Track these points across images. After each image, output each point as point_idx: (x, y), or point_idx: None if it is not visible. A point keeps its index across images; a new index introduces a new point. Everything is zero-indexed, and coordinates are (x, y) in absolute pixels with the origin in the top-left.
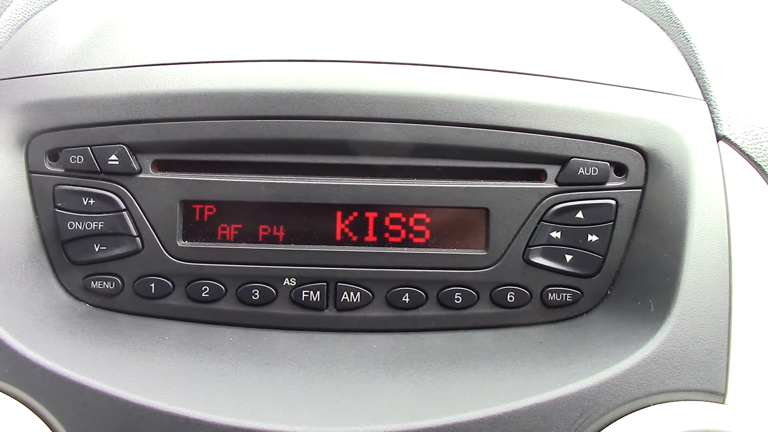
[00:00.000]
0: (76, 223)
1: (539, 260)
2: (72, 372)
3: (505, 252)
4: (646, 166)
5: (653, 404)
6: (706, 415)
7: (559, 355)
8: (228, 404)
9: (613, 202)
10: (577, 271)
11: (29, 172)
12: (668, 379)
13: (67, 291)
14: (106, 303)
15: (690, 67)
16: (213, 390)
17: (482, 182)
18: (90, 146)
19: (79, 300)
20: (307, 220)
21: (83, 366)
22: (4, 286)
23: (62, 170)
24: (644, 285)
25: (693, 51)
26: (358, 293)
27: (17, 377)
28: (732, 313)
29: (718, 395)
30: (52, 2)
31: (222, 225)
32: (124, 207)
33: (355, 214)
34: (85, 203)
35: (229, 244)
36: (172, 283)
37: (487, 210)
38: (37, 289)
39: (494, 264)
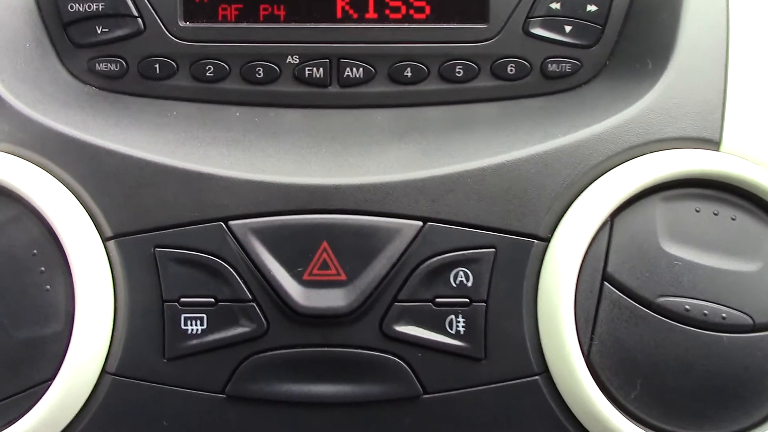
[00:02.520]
0: (77, 4)
1: (539, 31)
2: (85, 135)
3: (505, 24)
4: None
5: (650, 152)
6: (700, 159)
7: (559, 116)
8: (238, 162)
9: None
10: (577, 42)
11: None
12: (665, 127)
13: (72, 74)
14: (112, 85)
15: None
16: (223, 151)
17: None
18: None
19: (86, 83)
20: None
21: (95, 131)
22: (10, 62)
23: None
24: (642, 49)
25: None
26: (361, 69)
27: (33, 142)
28: (729, 66)
29: (712, 143)
30: None
31: (222, 5)
32: None
33: None
34: None
35: (231, 24)
36: (176, 63)
37: None
38: (44, 70)
39: (495, 36)
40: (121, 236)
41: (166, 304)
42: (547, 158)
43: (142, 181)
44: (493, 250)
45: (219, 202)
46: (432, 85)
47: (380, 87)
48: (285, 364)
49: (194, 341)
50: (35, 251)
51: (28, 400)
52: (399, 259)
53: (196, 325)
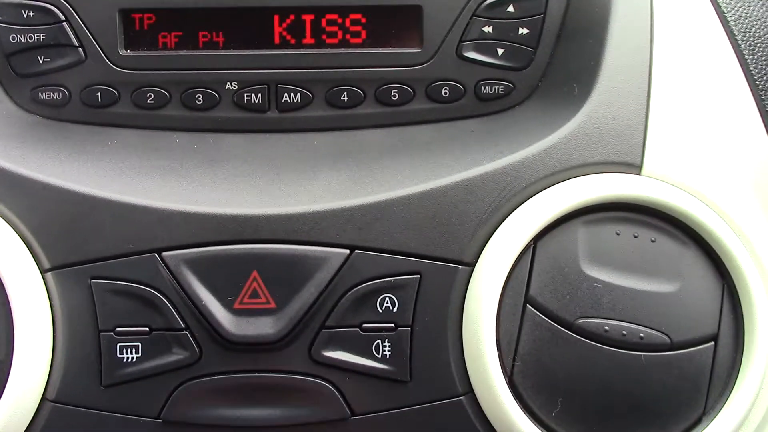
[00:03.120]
0: (18, 35)
1: (472, 55)
2: (24, 169)
3: (438, 48)
4: None
5: (573, 177)
6: (621, 184)
7: (489, 141)
8: (174, 193)
9: None
10: (509, 64)
11: None
12: (587, 153)
13: (15, 103)
14: (55, 114)
15: None
16: (160, 182)
17: None
18: None
19: (30, 112)
20: (246, 24)
21: (34, 164)
22: None
23: None
24: (571, 73)
25: None
26: (299, 94)
27: None
28: (651, 93)
29: (634, 167)
30: None
31: (162, 33)
32: (63, 18)
33: (292, 17)
34: (25, 16)
35: (171, 51)
36: (118, 91)
37: (420, 7)
38: None
39: (429, 60)
40: (59, 268)
41: (102, 333)
42: (472, 185)
43: (79, 214)
44: (417, 276)
45: (152, 233)
46: (368, 109)
47: (318, 111)
48: (218, 389)
49: (130, 369)
50: None
51: None
52: (327, 286)
53: (131, 353)
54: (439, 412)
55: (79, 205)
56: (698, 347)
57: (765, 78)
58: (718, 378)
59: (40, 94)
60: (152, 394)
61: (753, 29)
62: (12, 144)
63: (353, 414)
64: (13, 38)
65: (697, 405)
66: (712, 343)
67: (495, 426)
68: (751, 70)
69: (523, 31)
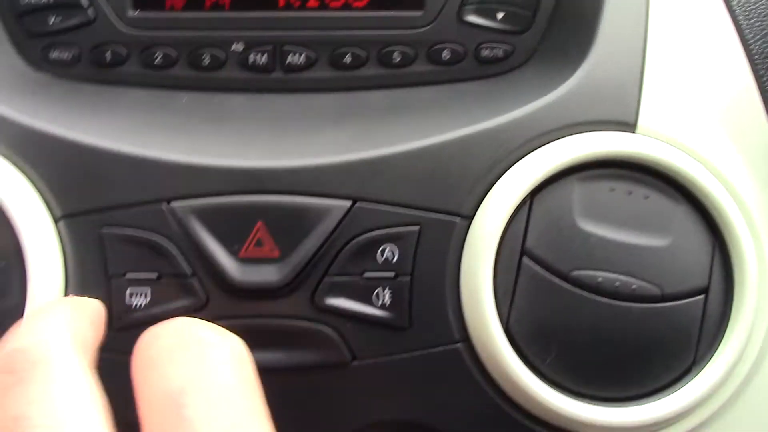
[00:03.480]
0: None
1: (472, 18)
2: (37, 122)
3: (440, 12)
4: None
5: (569, 135)
6: (616, 141)
7: (488, 101)
8: (180, 147)
9: None
10: (509, 28)
11: None
12: (583, 112)
13: (27, 61)
14: (65, 72)
15: None
16: (168, 137)
17: None
18: None
19: (41, 71)
20: None
21: (47, 118)
22: None
23: None
24: (569, 35)
25: None
26: (303, 54)
27: None
28: (646, 53)
29: (629, 125)
30: None
31: None
32: None
33: None
34: None
35: (178, 12)
36: (127, 50)
37: None
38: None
39: (430, 23)
40: (70, 216)
41: (112, 279)
42: (471, 141)
43: (90, 166)
44: (417, 227)
45: (161, 184)
46: (371, 70)
47: (322, 72)
48: None
49: (139, 313)
50: None
51: None
52: (329, 236)
53: (140, 298)
54: (436, 358)
55: (90, 157)
56: (689, 299)
57: (759, 42)
58: (708, 329)
59: (50, 53)
60: None
61: None
62: (25, 100)
63: (354, 358)
64: None
65: (687, 355)
66: (703, 296)
67: (491, 372)
68: (745, 35)
69: None
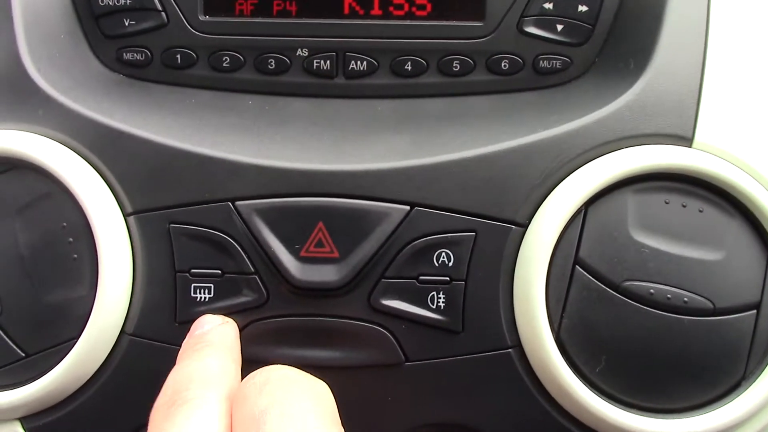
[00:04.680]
0: None
1: (532, 30)
2: (111, 120)
3: (500, 22)
4: None
5: (626, 147)
6: (672, 155)
7: (545, 112)
8: (247, 148)
9: None
10: (568, 40)
11: None
12: (640, 124)
13: (102, 63)
14: (137, 73)
15: None
16: (233, 137)
17: None
18: None
19: (114, 71)
20: None
21: (119, 117)
22: (46, 52)
23: None
24: (628, 49)
25: None
26: (365, 62)
27: (65, 126)
28: (705, 69)
29: (685, 140)
30: None
31: (239, 0)
32: None
33: None
34: None
35: (247, 18)
36: (196, 54)
37: None
38: (76, 59)
39: (490, 34)
40: (140, 213)
41: (178, 274)
42: (528, 151)
43: (160, 164)
44: (473, 234)
45: (227, 184)
46: (431, 78)
47: (382, 79)
48: (282, 330)
49: (202, 308)
50: (65, 224)
51: (56, 356)
52: (387, 239)
53: (204, 293)
54: (488, 363)
55: (160, 155)
56: (740, 314)
57: None
58: (758, 345)
59: (124, 54)
60: None
61: None
62: (100, 99)
63: (407, 360)
64: (102, 1)
65: (737, 369)
66: (755, 311)
67: (540, 378)
68: None
69: (583, 8)
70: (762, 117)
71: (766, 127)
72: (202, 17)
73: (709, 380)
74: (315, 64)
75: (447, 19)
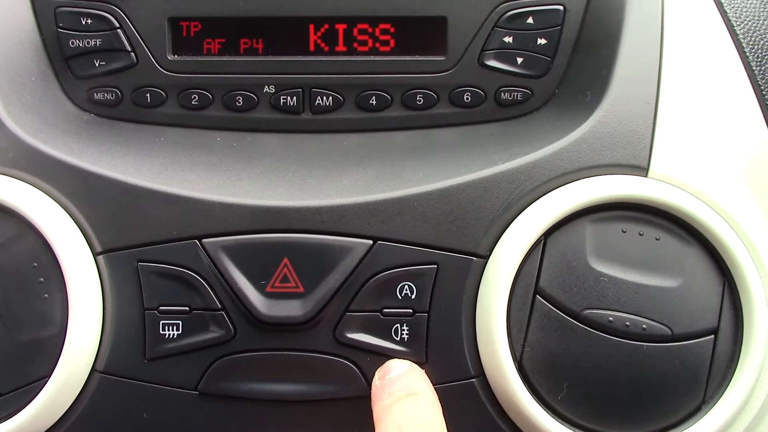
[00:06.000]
0: (77, 41)
1: (493, 63)
2: (80, 161)
3: (462, 56)
4: None
5: (583, 177)
6: (628, 185)
7: (506, 143)
8: (213, 186)
9: (560, 7)
10: (528, 72)
11: None
12: (597, 156)
13: (73, 103)
14: (108, 112)
15: None
16: (201, 176)
17: None
18: None
19: (85, 111)
20: (283, 33)
21: (89, 157)
22: (17, 95)
23: None
24: (585, 81)
25: None
26: (331, 97)
27: (35, 167)
28: (659, 100)
29: (641, 169)
30: None
31: (207, 39)
32: (118, 25)
33: (326, 26)
34: (83, 23)
35: (214, 56)
36: (165, 92)
37: (445, 18)
38: (47, 100)
39: (452, 67)
40: (109, 251)
41: (147, 311)
42: (488, 183)
43: (128, 203)
44: (435, 266)
45: (194, 222)
46: (395, 112)
47: (348, 114)
48: (250, 365)
49: (171, 344)
50: (35, 264)
51: (28, 394)
52: (351, 273)
53: (172, 330)
54: (452, 393)
55: (129, 195)
56: (698, 340)
57: None
58: (717, 369)
59: (95, 94)
60: (191, 368)
61: (762, 42)
62: (70, 139)
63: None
64: (73, 43)
65: (696, 394)
66: (712, 336)
67: (504, 407)
68: (757, 81)
69: (542, 41)
70: (716, 146)
71: (720, 156)
72: (170, 57)
73: (669, 405)
74: (282, 100)
75: (410, 54)
